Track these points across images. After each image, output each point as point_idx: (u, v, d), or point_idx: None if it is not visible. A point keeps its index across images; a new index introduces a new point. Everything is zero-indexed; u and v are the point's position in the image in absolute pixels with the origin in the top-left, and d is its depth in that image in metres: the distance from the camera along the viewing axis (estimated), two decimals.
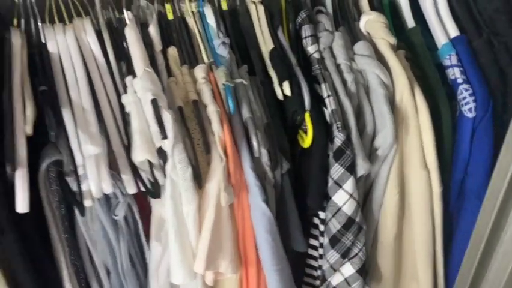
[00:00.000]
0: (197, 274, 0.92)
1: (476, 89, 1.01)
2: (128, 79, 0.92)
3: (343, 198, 0.95)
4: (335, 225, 0.97)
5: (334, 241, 0.98)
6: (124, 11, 0.95)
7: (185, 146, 0.86)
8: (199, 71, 0.94)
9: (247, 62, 1.02)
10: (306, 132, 0.98)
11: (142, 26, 0.97)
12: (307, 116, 0.95)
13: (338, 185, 0.95)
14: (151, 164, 0.87)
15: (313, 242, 1.08)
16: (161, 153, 0.86)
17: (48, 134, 0.90)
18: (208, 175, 0.90)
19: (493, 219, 0.98)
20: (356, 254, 0.99)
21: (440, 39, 1.07)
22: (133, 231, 1.00)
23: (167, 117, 0.83)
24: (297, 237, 1.01)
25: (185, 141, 0.87)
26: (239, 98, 0.94)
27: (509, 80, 1.02)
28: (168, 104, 0.88)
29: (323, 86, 0.97)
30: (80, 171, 0.85)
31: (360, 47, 1.02)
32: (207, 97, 0.91)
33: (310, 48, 1.01)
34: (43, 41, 0.92)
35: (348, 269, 1.00)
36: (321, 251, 1.07)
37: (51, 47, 0.92)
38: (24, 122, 0.83)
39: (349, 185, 0.94)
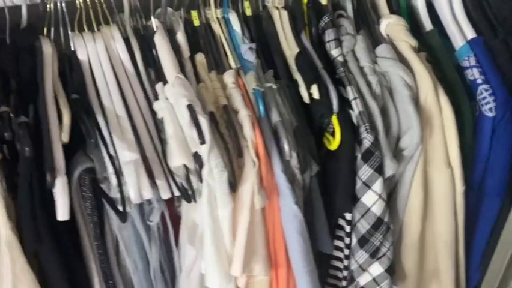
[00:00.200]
0: (232, 278, 0.92)
1: (495, 89, 1.04)
2: (159, 86, 0.92)
3: (372, 199, 0.97)
4: (364, 226, 0.98)
5: (363, 241, 1.00)
6: (152, 18, 0.96)
7: (220, 150, 0.87)
8: (229, 76, 0.95)
9: (271, 67, 1.03)
10: (332, 135, 0.99)
11: (168, 33, 0.98)
12: (334, 119, 0.97)
13: (367, 186, 0.96)
14: (186, 169, 0.87)
15: (338, 243, 1.09)
16: (197, 158, 0.87)
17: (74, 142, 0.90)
18: (242, 179, 0.91)
19: None
20: (385, 254, 1.01)
21: (458, 41, 1.09)
22: (161, 237, 1.00)
23: (203, 122, 0.84)
24: (324, 239, 1.03)
25: (219, 146, 0.88)
26: (268, 102, 0.95)
27: None
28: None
29: (348, 88, 0.98)
30: (115, 178, 0.85)
31: (382, 49, 1.04)
32: (238, 102, 0.92)
33: (334, 52, 1.03)
34: (72, 49, 0.93)
35: (377, 269, 1.02)
36: (346, 252, 1.08)
37: (81, 55, 0.92)
38: (60, 129, 0.84)
39: (378, 185, 0.96)
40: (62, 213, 0.80)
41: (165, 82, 0.93)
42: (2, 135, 0.80)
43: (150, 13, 0.98)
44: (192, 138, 0.87)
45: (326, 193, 1.01)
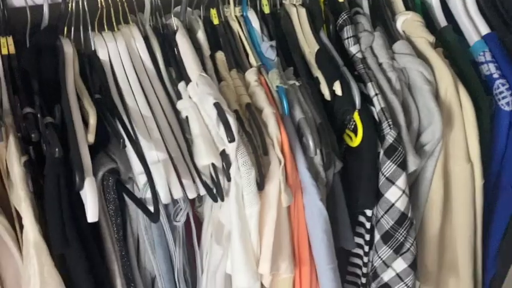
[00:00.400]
0: (259, 276, 0.92)
1: None
2: (182, 85, 0.92)
3: (396, 195, 0.97)
4: (387, 222, 0.99)
5: (387, 237, 1.00)
6: (172, 16, 0.95)
7: (247, 148, 0.87)
8: (251, 75, 0.95)
9: (289, 64, 1.03)
10: (353, 131, 0.99)
11: (188, 32, 0.97)
12: (356, 115, 0.97)
13: (391, 181, 0.96)
14: (214, 168, 0.86)
15: (358, 240, 1.09)
16: (224, 156, 0.86)
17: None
18: (268, 177, 0.90)
19: None
20: (408, 249, 1.01)
21: (472, 37, 1.10)
22: (185, 238, 0.99)
23: (231, 120, 0.84)
24: (346, 236, 1.02)
25: (245, 144, 0.87)
26: (290, 100, 0.95)
27: None
28: None
29: (369, 84, 0.98)
30: (142, 178, 0.84)
31: (400, 46, 1.05)
32: (262, 100, 0.92)
33: (353, 49, 1.03)
34: (92, 49, 0.91)
35: (401, 264, 1.02)
36: (366, 248, 1.08)
37: (102, 55, 0.91)
38: (86, 130, 0.82)
39: (401, 181, 0.96)
40: (91, 215, 0.79)
41: (187, 81, 0.92)
42: (28, 137, 0.79)
43: (168, 12, 0.97)
44: (218, 136, 0.86)
45: (347, 190, 1.01)
